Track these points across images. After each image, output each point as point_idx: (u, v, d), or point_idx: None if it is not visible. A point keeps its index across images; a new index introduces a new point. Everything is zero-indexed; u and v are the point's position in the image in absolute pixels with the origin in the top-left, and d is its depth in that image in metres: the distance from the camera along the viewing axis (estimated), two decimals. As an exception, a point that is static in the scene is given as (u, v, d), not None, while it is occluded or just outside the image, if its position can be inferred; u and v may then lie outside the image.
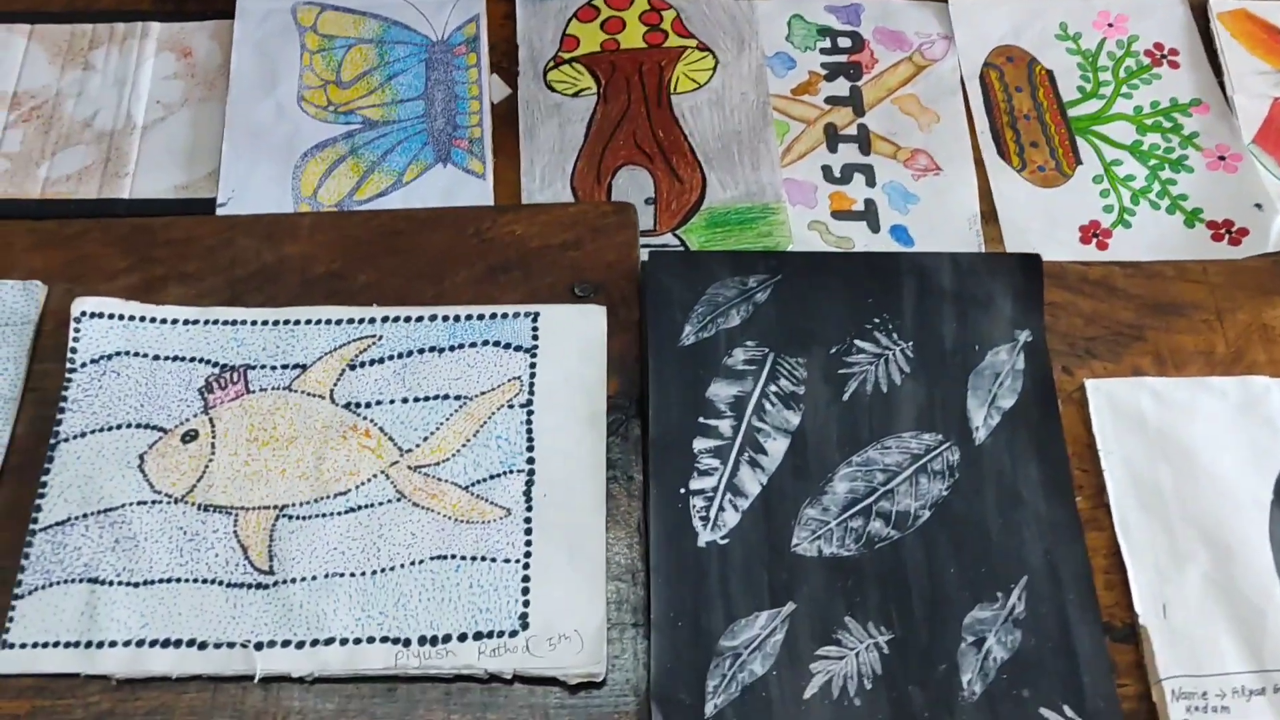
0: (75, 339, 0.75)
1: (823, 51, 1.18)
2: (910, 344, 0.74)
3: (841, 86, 1.13)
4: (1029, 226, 0.96)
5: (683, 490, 0.69)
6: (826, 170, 1.06)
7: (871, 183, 1.03)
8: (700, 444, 0.71)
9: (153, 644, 0.65)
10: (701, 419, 0.71)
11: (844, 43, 1.19)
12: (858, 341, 0.74)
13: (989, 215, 0.96)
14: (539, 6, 1.24)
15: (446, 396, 0.73)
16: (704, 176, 1.11)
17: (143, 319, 0.76)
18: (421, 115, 1.16)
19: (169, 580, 0.67)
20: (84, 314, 0.75)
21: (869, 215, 1.00)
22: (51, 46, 1.19)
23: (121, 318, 0.76)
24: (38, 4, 1.21)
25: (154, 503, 0.69)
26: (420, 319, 0.77)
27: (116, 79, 1.17)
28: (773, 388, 0.73)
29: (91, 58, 1.19)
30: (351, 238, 0.80)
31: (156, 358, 0.75)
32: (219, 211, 1.06)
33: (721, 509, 0.69)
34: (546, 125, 1.16)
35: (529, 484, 0.70)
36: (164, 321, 0.76)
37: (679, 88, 1.19)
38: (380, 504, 0.69)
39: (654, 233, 1.04)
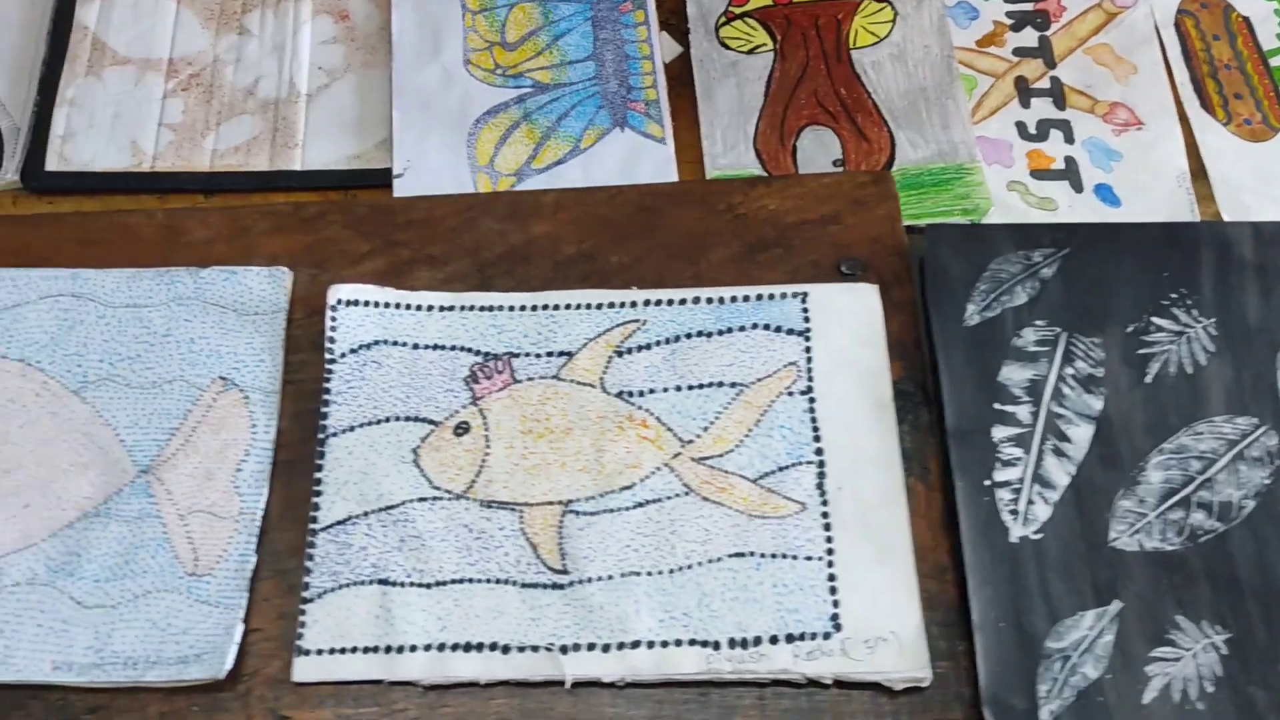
0: (332, 328, 0.72)
1: (1006, 0, 1.12)
2: (1212, 321, 0.69)
3: (1029, 37, 1.08)
4: (1241, 184, 0.92)
5: (987, 482, 0.66)
6: (1021, 127, 1.01)
7: (1070, 139, 0.98)
8: (999, 432, 0.67)
9: (454, 648, 0.62)
10: (997, 405, 0.68)
11: (1028, -11, 1.13)
12: (1155, 319, 0.70)
13: (1197, 172, 0.91)
14: (703, -42, 1.19)
15: (721, 384, 0.70)
16: (892, 136, 1.07)
17: (399, 305, 0.73)
18: (593, 77, 1.12)
19: (461, 581, 0.64)
20: (340, 301, 0.72)
21: (1070, 174, 0.96)
22: (203, 10, 1.15)
23: (377, 305, 0.73)
24: (184, -35, 1.17)
25: (435, 499, 0.67)
26: (683, 302, 0.73)
27: (275, 45, 1.13)
28: (1069, 370, 0.69)
29: (246, 22, 1.15)
30: (597, 216, 0.77)
31: (416, 346, 0.72)
32: (396, 183, 1.03)
33: (1030, 501, 0.65)
34: (724, 85, 1.11)
35: (821, 476, 0.67)
36: (420, 308, 0.73)
37: (858, 42, 1.13)
38: (668, 498, 0.66)
39: (846, 196, 1.00)
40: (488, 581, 0.64)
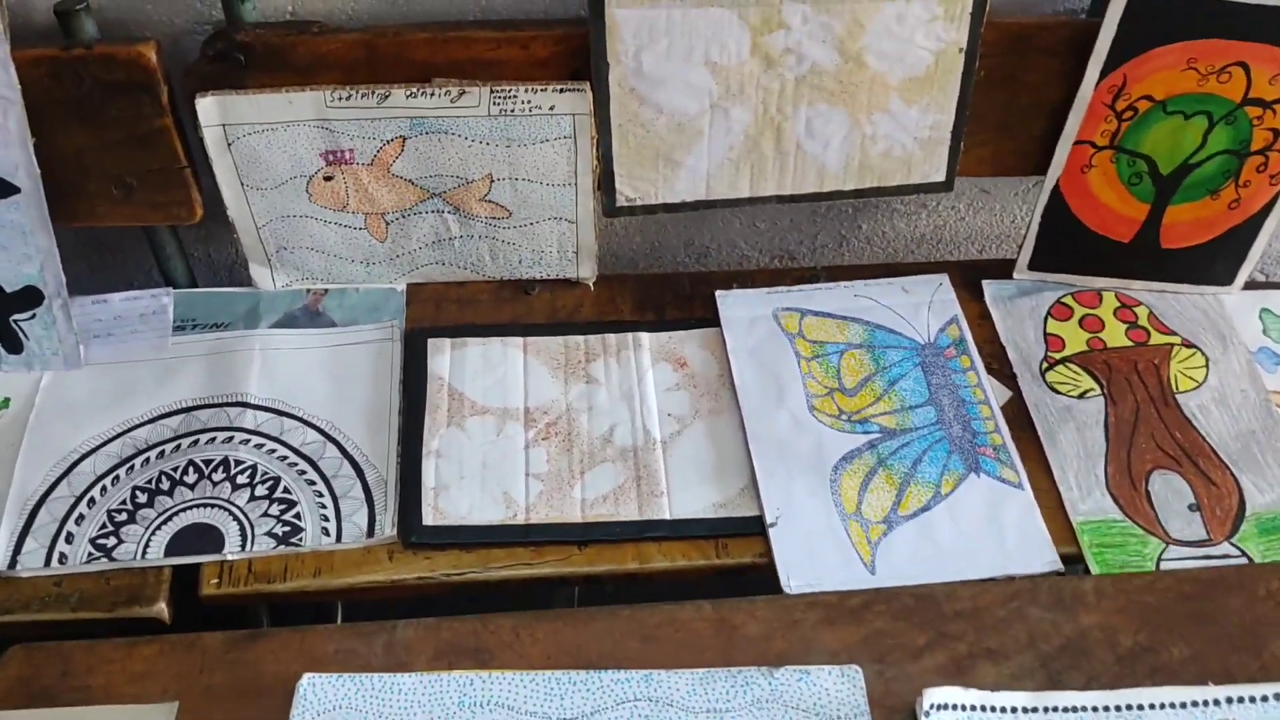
0: (928, 733, 0.71)
1: (1302, 350, 1.18)
2: None
3: (1338, 379, 1.13)
4: None
5: None
6: (1359, 465, 1.05)
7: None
8: None
9: None
10: None
11: (1320, 334, 1.20)
12: None
13: None
14: (1011, 306, 1.26)
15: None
16: (1236, 480, 1.10)
17: (987, 708, 0.72)
18: (935, 422, 1.16)
19: None
20: (932, 706, 0.71)
21: None
22: (549, 360, 1.20)
23: (967, 708, 0.72)
24: (520, 315, 1.23)
25: None
26: (1265, 699, 0.73)
27: (623, 392, 1.18)
28: None
29: (591, 370, 1.20)
30: (1141, 603, 0.78)
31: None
32: (772, 531, 1.05)
33: None
34: (1064, 429, 1.15)
35: None
36: (1007, 710, 0.72)
37: (1180, 386, 1.19)
38: None
39: (1209, 542, 1.02)
40: None
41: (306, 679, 0.72)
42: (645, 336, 1.22)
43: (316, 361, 1.19)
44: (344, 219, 1.19)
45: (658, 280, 1.29)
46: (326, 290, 1.25)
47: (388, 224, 1.20)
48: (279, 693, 0.70)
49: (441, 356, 1.19)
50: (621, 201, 1.19)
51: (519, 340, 1.22)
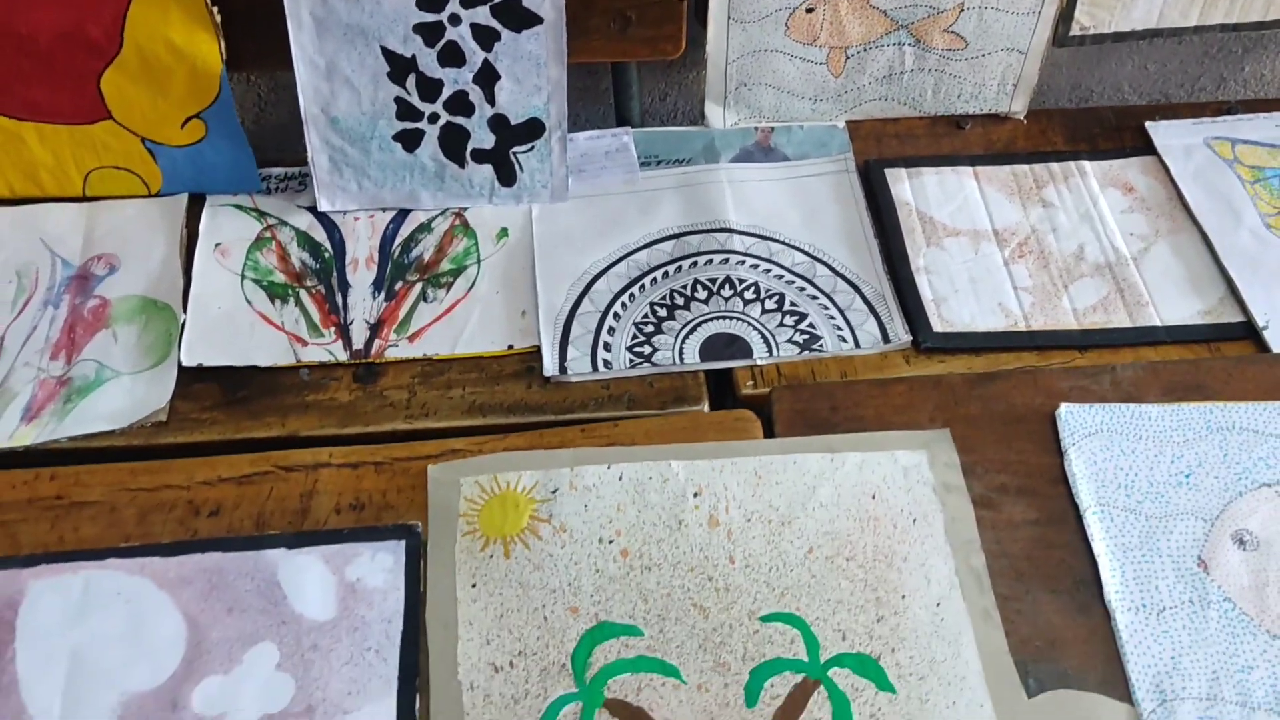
0: None
1: None
2: None
3: None
4: None
5: None
6: None
7: None
8: None
9: None
10: None
11: None
12: None
13: None
14: None
15: None
16: None
17: None
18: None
19: None
20: None
21: None
22: (1002, 187, 1.26)
23: None
24: (959, 148, 1.28)
25: None
26: None
27: (1081, 215, 1.23)
28: None
29: (1045, 195, 1.25)
30: None
31: None
32: (1266, 335, 1.10)
33: None
34: None
35: None
36: None
37: None
38: None
39: None
40: None
41: (1065, 408, 0.79)
42: (1088, 165, 1.28)
43: (781, 192, 1.25)
44: (810, 53, 1.24)
45: (1082, 114, 1.34)
46: (773, 128, 1.31)
47: (847, 58, 1.25)
48: (1035, 419, 0.77)
49: (901, 184, 1.26)
50: (1076, 30, 1.24)
51: (969, 169, 1.27)
